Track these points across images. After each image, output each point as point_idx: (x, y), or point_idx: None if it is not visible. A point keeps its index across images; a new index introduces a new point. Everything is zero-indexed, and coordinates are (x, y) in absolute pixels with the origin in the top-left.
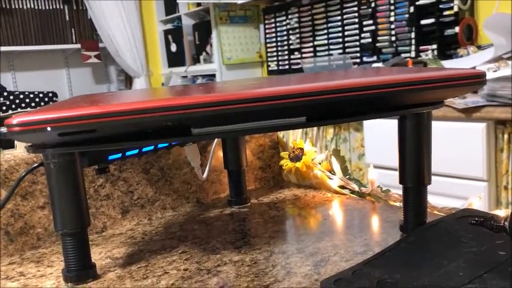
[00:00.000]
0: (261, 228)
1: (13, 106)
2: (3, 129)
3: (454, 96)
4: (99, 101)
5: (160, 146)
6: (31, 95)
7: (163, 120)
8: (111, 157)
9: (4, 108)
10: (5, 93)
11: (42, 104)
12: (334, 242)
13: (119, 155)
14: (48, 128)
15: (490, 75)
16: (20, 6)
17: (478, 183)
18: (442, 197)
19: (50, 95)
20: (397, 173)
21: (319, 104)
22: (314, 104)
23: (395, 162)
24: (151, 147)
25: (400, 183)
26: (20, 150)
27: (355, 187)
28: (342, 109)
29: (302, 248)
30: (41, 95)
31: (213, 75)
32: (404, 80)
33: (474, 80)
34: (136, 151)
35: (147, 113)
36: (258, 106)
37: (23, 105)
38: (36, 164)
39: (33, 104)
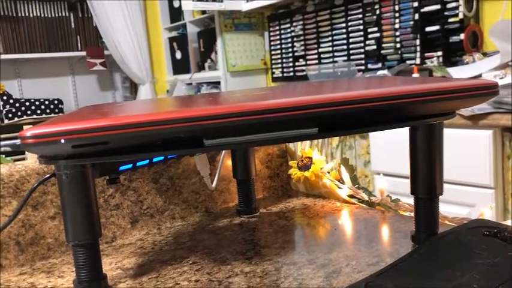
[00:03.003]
0: (271, 238)
1: (19, 113)
2: (17, 141)
3: (467, 107)
4: (110, 113)
5: (170, 156)
6: (37, 102)
7: (177, 132)
8: (122, 168)
9: (10, 115)
10: (11, 101)
11: (47, 111)
12: (345, 252)
13: (130, 165)
14: (62, 140)
15: (494, 81)
16: (26, 14)
17: (485, 191)
18: (449, 204)
19: (56, 102)
20: (403, 180)
21: (331, 115)
22: (327, 115)
23: (401, 170)
24: (162, 157)
25: (412, 193)
26: (31, 161)
27: (365, 196)
28: (354, 120)
29: (313, 259)
30: (46, 102)
31: (218, 83)
32: (419, 90)
33: (488, 91)
34: (147, 161)
35: (161, 124)
36: (272, 117)
37: (29, 112)
38: (48, 175)
39: (38, 111)
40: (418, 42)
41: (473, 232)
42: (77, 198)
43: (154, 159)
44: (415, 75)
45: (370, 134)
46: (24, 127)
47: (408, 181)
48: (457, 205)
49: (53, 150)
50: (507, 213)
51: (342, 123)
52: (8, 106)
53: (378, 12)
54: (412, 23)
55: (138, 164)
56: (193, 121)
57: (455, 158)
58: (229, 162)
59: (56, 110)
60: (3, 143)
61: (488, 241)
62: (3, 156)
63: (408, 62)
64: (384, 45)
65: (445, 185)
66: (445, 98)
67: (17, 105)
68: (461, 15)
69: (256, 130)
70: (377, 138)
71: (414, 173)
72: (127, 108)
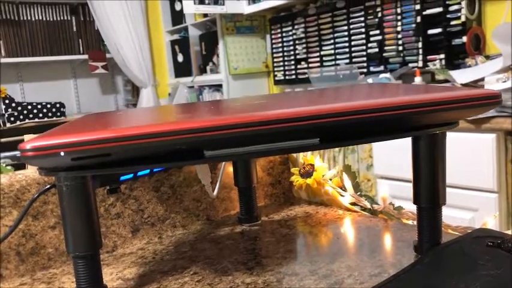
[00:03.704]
0: (272, 247)
1: (21, 117)
2: (17, 153)
3: (470, 116)
4: (111, 123)
5: None
6: (39, 106)
7: (177, 144)
8: (122, 178)
9: (12, 119)
10: (13, 104)
11: (49, 114)
12: (347, 263)
13: (131, 175)
14: (62, 153)
15: (499, 86)
16: (28, 18)
17: (488, 195)
18: (452, 208)
19: (58, 105)
20: (406, 184)
21: (333, 125)
22: (328, 126)
23: (404, 173)
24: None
25: (414, 203)
26: (31, 171)
27: (367, 204)
28: (356, 130)
29: (315, 269)
30: (48, 106)
31: (220, 86)
32: (422, 101)
33: (490, 101)
34: (147, 171)
35: (162, 136)
36: (273, 129)
37: (31, 116)
38: (48, 186)
39: (40, 115)
40: (420, 45)
41: (477, 242)
42: (77, 210)
43: (155, 169)
44: (418, 78)
45: None
46: (25, 136)
47: (411, 185)
48: (460, 209)
49: (53, 162)
50: (510, 217)
51: (344, 133)
52: (10, 110)
53: (379, 15)
54: (414, 25)
55: (139, 173)
56: (194, 133)
57: (458, 162)
58: (230, 170)
59: (58, 114)
60: (3, 154)
61: (492, 252)
62: (4, 165)
63: (410, 64)
64: (386, 48)
65: (447, 189)
66: (448, 109)
67: (19, 108)
68: (463, 18)
69: (257, 141)
70: (380, 141)
71: (417, 183)
72: (127, 118)
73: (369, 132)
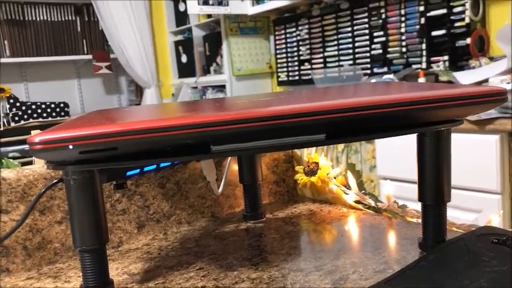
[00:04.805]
0: (277, 244)
1: (25, 116)
2: (26, 147)
3: (476, 113)
4: (117, 118)
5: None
6: (43, 106)
7: (184, 138)
8: (129, 173)
9: (17, 118)
10: (18, 104)
11: (53, 114)
12: (352, 259)
13: (137, 170)
14: (70, 146)
15: (503, 87)
16: (33, 18)
17: (491, 196)
18: (456, 209)
19: (62, 105)
20: (409, 185)
21: (340, 121)
22: (335, 121)
23: (407, 174)
24: (169, 163)
25: (419, 200)
26: (38, 165)
27: (371, 202)
28: (361, 126)
29: (320, 265)
30: (52, 106)
31: (223, 86)
32: (427, 97)
33: (496, 98)
34: (154, 166)
35: (169, 130)
36: (280, 124)
37: (35, 115)
38: (55, 180)
39: (44, 115)
40: (424, 46)
41: (481, 239)
42: (84, 204)
43: (162, 164)
44: (421, 79)
45: None
46: (32, 132)
47: (414, 186)
48: (463, 210)
49: (61, 156)
50: None
51: (350, 129)
52: (14, 109)
53: (383, 16)
54: (418, 27)
55: (146, 169)
56: (201, 127)
57: (462, 163)
58: (235, 167)
59: (62, 113)
60: (12, 148)
61: (496, 249)
62: (11, 160)
63: (414, 66)
64: (389, 49)
65: (451, 190)
66: (454, 105)
67: (24, 108)
68: (467, 20)
69: (263, 136)
70: (383, 142)
71: (422, 180)
72: (134, 113)
73: (375, 128)
